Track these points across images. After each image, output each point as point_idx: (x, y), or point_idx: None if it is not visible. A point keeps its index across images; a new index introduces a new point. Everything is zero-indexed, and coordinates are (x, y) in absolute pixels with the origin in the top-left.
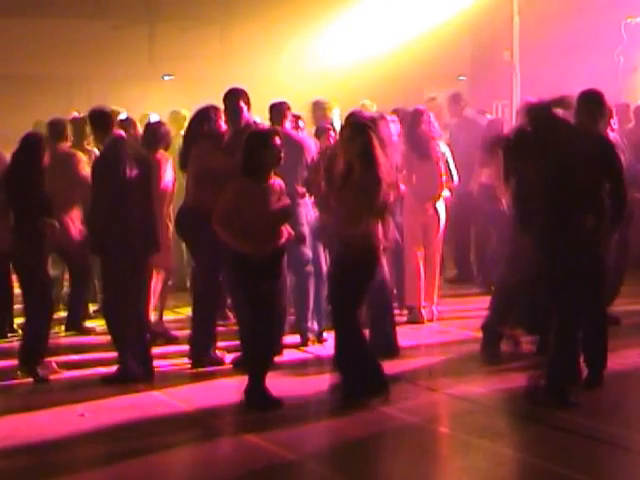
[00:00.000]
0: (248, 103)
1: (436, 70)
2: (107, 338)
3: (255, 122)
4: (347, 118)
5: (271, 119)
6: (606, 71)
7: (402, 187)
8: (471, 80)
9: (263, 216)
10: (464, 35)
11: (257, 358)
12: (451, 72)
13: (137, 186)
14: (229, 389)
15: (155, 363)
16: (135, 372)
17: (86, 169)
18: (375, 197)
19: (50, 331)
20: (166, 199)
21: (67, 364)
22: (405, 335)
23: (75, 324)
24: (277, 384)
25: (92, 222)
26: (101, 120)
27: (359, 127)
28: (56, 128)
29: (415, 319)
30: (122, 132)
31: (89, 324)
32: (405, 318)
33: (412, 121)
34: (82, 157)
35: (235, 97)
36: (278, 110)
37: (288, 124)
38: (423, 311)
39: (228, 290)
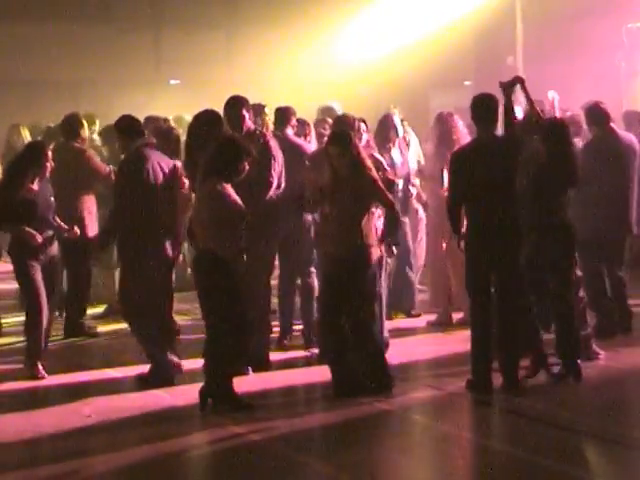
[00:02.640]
0: (249, 111)
1: (441, 76)
2: (112, 341)
3: (256, 129)
4: (330, 134)
5: (275, 123)
6: (608, 76)
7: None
8: (476, 85)
9: (241, 215)
10: (469, 41)
11: (227, 359)
12: (456, 77)
13: (162, 191)
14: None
15: None
16: (170, 371)
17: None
18: (373, 199)
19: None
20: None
21: (74, 366)
22: (406, 334)
23: (75, 328)
24: (278, 382)
25: (117, 224)
26: (129, 127)
27: (345, 140)
28: (67, 126)
29: (443, 320)
30: (153, 140)
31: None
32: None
33: (445, 124)
34: (93, 153)
35: (237, 105)
36: (282, 115)
37: (290, 129)
38: (451, 315)
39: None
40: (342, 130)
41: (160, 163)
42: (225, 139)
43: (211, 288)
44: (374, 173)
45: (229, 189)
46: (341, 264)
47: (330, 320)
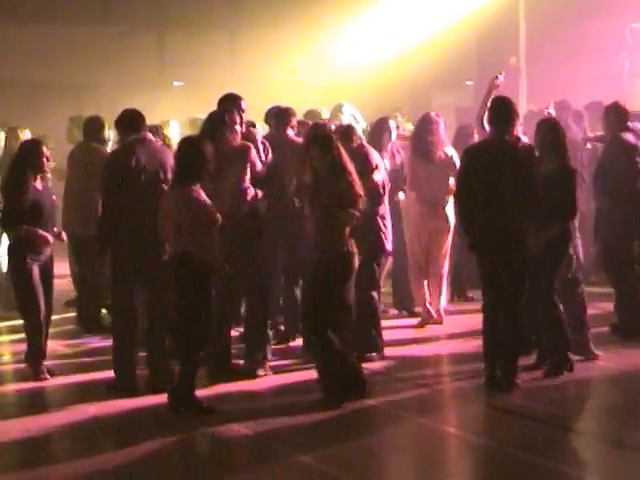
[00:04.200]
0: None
1: (443, 75)
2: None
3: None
4: (312, 135)
5: (275, 124)
6: (611, 76)
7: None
8: (478, 85)
9: (214, 218)
10: (471, 40)
11: (196, 361)
12: (458, 77)
13: (151, 186)
14: (241, 392)
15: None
16: (127, 382)
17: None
18: (349, 206)
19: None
20: None
21: (78, 366)
22: (406, 335)
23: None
24: (281, 381)
25: (100, 221)
26: (126, 121)
27: (326, 142)
28: (86, 127)
29: (424, 321)
30: (149, 135)
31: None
32: (407, 320)
33: (418, 126)
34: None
35: (236, 100)
36: (282, 116)
37: (290, 130)
38: (431, 311)
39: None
40: (323, 132)
41: (151, 159)
42: (187, 142)
43: (186, 290)
44: (353, 177)
45: (202, 192)
46: (321, 270)
47: (314, 331)
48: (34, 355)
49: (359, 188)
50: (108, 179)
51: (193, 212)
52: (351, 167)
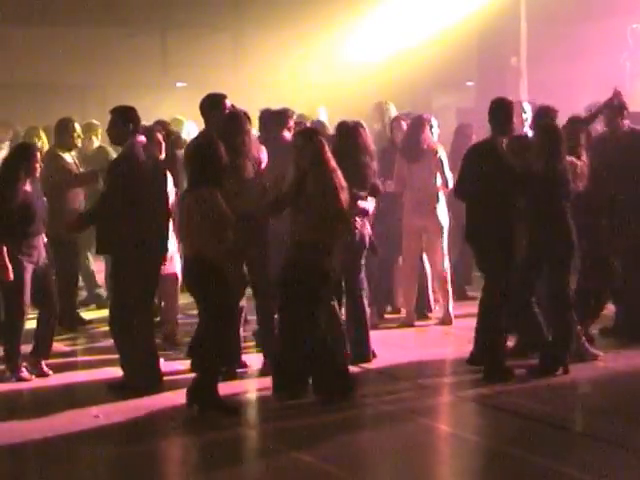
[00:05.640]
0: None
1: (444, 76)
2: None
3: None
4: (296, 132)
5: (273, 125)
6: (612, 76)
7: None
8: (479, 85)
9: (229, 219)
10: (472, 41)
11: (217, 362)
12: (459, 78)
13: (152, 190)
14: (243, 393)
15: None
16: (137, 381)
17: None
18: (330, 202)
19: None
20: None
21: (81, 366)
22: (407, 336)
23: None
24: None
25: (102, 222)
26: (129, 116)
27: (308, 135)
28: (54, 130)
29: (408, 321)
30: (143, 138)
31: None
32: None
33: (407, 126)
34: (60, 157)
35: (220, 102)
36: (279, 117)
37: (287, 132)
38: (412, 314)
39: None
40: (305, 128)
41: (148, 161)
42: (198, 144)
43: (203, 293)
44: (335, 175)
45: (217, 194)
46: (296, 266)
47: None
48: (14, 357)
49: (339, 183)
50: (117, 181)
51: (207, 215)
52: (333, 163)
